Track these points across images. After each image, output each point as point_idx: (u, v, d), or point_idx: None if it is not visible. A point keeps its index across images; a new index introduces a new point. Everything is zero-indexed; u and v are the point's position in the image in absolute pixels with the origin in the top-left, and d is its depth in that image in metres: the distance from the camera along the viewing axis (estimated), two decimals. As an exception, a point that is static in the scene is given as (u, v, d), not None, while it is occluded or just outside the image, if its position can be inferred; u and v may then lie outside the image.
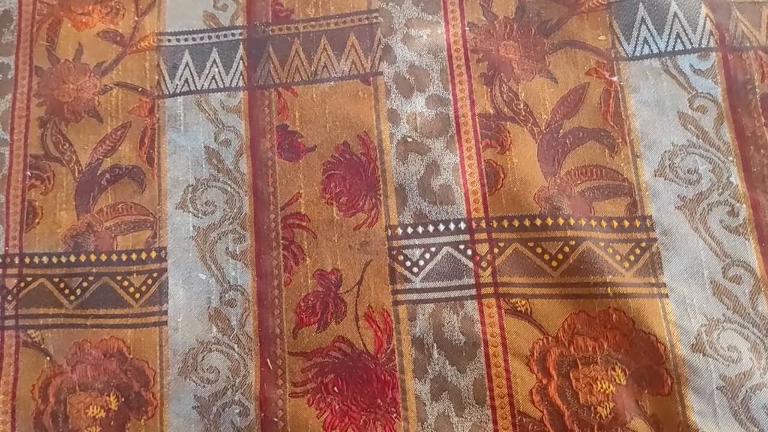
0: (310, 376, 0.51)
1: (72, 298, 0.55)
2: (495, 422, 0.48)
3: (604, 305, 0.49)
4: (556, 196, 0.52)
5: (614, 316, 0.48)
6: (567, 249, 0.50)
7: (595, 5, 0.56)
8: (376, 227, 0.53)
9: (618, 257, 0.50)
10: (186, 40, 0.61)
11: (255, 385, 0.51)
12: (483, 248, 0.51)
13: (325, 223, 0.54)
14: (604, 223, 0.51)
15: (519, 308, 0.50)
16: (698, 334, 0.47)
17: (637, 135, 0.53)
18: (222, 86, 0.59)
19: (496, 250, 0.51)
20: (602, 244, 0.50)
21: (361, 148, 0.55)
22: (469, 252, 0.52)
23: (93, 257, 0.56)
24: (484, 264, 0.51)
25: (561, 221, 0.51)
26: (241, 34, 0.60)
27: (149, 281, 0.55)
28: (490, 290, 0.50)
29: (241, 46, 0.60)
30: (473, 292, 0.51)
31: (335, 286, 0.53)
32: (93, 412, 0.52)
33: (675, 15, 0.55)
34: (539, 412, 0.47)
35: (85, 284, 0.55)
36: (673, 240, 0.50)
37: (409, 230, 0.53)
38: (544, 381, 0.48)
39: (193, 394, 0.52)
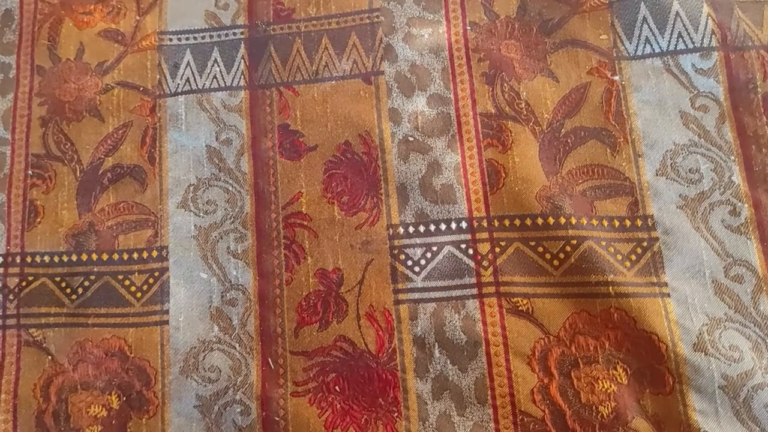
0: (311, 375, 0.51)
1: (73, 297, 0.55)
2: (496, 421, 0.48)
3: (605, 304, 0.49)
4: (558, 196, 0.52)
5: (616, 315, 0.48)
6: (568, 248, 0.50)
7: (596, 4, 0.56)
8: (378, 226, 0.53)
9: (619, 256, 0.50)
10: (187, 39, 0.61)
11: (256, 384, 0.51)
12: (484, 247, 0.51)
13: (327, 223, 0.54)
14: (605, 223, 0.51)
15: (520, 307, 0.50)
16: (700, 334, 0.47)
17: (639, 134, 0.53)
18: (223, 85, 0.59)
19: (497, 250, 0.51)
20: (604, 243, 0.50)
21: (363, 147, 0.55)
22: (471, 251, 0.52)
23: (94, 256, 0.56)
24: (485, 263, 0.51)
25: (562, 220, 0.51)
26: (242, 33, 0.60)
27: (150, 280, 0.55)
28: (492, 289, 0.50)
29: (242, 46, 0.60)
30: (474, 291, 0.51)
31: (336, 285, 0.53)
32: (94, 411, 0.52)
33: (677, 14, 0.55)
34: (541, 411, 0.47)
35: (86, 283, 0.55)
36: (675, 239, 0.50)
37: (411, 229, 0.53)
38: (546, 380, 0.48)
39: (194, 393, 0.52)
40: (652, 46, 0.55)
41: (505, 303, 0.50)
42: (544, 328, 0.49)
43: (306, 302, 0.53)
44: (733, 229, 0.50)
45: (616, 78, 0.54)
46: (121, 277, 0.55)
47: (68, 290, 0.55)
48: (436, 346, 0.50)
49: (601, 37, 0.56)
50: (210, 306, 0.54)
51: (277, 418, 0.50)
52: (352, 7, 0.59)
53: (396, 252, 0.52)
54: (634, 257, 0.50)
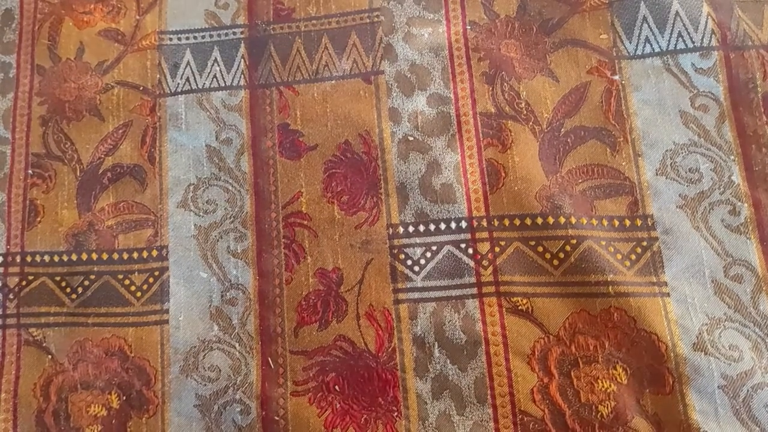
0: (311, 374, 0.51)
1: (73, 296, 0.55)
2: (496, 421, 0.48)
3: (605, 304, 0.49)
4: (558, 195, 0.52)
5: (615, 315, 0.48)
6: (568, 248, 0.50)
7: (596, 4, 0.56)
8: (378, 226, 0.53)
9: (619, 256, 0.50)
10: (187, 38, 0.61)
11: (256, 383, 0.51)
12: (484, 247, 0.51)
13: (327, 222, 0.54)
14: (605, 222, 0.51)
15: (520, 307, 0.50)
16: (699, 333, 0.47)
17: (639, 134, 0.53)
18: (223, 85, 0.59)
19: (497, 249, 0.51)
20: (603, 242, 0.50)
21: (363, 146, 0.55)
22: (471, 251, 0.52)
23: (94, 256, 0.56)
24: (485, 263, 0.51)
25: (562, 220, 0.51)
26: (242, 32, 0.60)
27: (150, 280, 0.55)
28: (492, 289, 0.50)
29: (242, 45, 0.60)
30: (474, 290, 0.51)
31: (336, 284, 0.53)
32: (94, 411, 0.52)
33: (677, 13, 0.55)
34: (540, 411, 0.47)
35: (86, 283, 0.55)
36: (675, 239, 0.50)
37: (411, 229, 0.53)
38: (546, 380, 0.48)
39: (194, 392, 0.52)
40: (652, 45, 0.55)
41: (505, 302, 0.50)
42: (543, 328, 0.49)
43: (306, 302, 0.53)
44: (733, 229, 0.50)
45: (616, 77, 0.54)
46: (121, 276, 0.55)
47: (68, 290, 0.55)
48: (436, 346, 0.50)
49: (601, 37, 0.56)
50: (210, 305, 0.54)
51: (276, 418, 0.50)
52: (352, 6, 0.59)
53: (396, 251, 0.52)
54: (633, 257, 0.50)
